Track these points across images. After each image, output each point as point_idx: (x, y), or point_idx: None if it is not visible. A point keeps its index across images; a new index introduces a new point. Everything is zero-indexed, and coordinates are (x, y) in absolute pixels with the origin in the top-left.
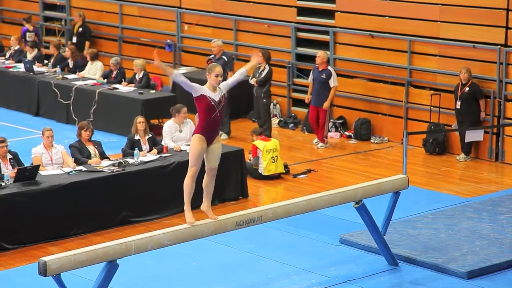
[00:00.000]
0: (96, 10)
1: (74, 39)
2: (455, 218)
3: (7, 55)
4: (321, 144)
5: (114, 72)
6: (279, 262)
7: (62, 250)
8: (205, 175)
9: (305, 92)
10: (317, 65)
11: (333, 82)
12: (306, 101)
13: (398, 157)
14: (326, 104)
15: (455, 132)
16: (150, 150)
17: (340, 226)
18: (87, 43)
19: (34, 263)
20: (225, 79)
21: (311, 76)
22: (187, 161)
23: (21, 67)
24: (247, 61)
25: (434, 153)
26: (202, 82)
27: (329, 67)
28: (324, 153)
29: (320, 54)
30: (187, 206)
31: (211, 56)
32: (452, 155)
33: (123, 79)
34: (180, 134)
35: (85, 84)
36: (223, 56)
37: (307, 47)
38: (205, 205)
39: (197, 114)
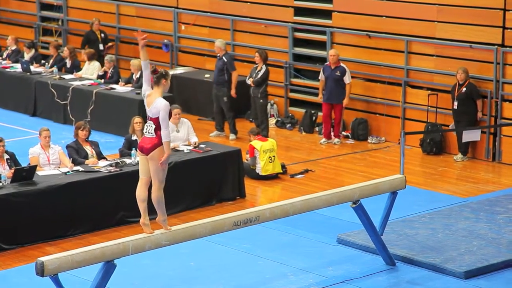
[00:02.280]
0: (93, 10)
1: (101, 46)
2: (452, 218)
3: (4, 55)
4: (337, 140)
5: (109, 71)
6: (276, 262)
7: (59, 250)
8: (159, 189)
9: (303, 92)
10: (328, 63)
11: (348, 78)
12: (320, 100)
13: (396, 157)
14: (346, 101)
15: (452, 132)
16: None
17: (337, 226)
18: (112, 43)
19: (32, 263)
20: (224, 76)
21: (321, 74)
22: (185, 161)
23: (18, 67)
24: (244, 61)
25: (431, 153)
26: (200, 81)
27: (342, 64)
28: (321, 153)
29: (333, 52)
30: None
31: (218, 55)
32: (449, 155)
33: (119, 79)
34: (177, 134)
35: (82, 84)
36: (223, 57)
37: (304, 47)
38: (163, 218)
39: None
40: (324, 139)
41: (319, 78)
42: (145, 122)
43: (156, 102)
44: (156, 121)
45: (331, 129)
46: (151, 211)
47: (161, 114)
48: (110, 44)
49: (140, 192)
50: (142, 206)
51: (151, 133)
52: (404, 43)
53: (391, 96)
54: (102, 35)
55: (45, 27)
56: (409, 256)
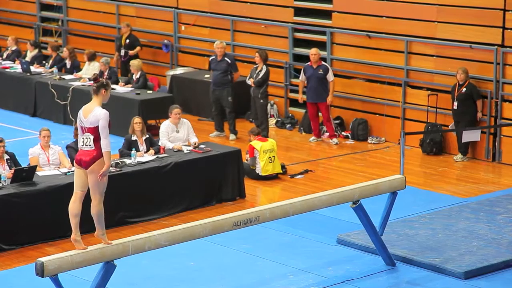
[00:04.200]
0: (93, 10)
1: (122, 52)
2: (452, 218)
3: (4, 55)
4: (335, 140)
5: (105, 73)
6: (276, 263)
7: (59, 250)
8: (99, 202)
9: (303, 93)
10: (309, 63)
11: (331, 76)
12: (300, 100)
13: (395, 157)
14: (330, 99)
15: (452, 133)
16: (147, 150)
17: (337, 226)
18: (137, 48)
19: (32, 264)
20: (228, 77)
21: (302, 75)
22: (185, 161)
23: (18, 67)
24: (245, 61)
25: (431, 153)
26: (200, 81)
27: (323, 62)
28: (321, 154)
29: (315, 51)
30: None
31: (211, 58)
32: (449, 155)
33: (119, 80)
34: (177, 135)
35: (82, 85)
36: (226, 58)
37: (304, 48)
38: (102, 232)
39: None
40: (313, 137)
41: (300, 78)
42: (145, 123)
43: (94, 111)
44: (95, 131)
45: (324, 128)
46: (147, 210)
47: (101, 122)
48: (126, 50)
49: (74, 207)
50: (74, 222)
51: (89, 145)
52: (404, 43)
53: (391, 96)
54: (127, 40)
55: (45, 28)
56: (409, 257)
